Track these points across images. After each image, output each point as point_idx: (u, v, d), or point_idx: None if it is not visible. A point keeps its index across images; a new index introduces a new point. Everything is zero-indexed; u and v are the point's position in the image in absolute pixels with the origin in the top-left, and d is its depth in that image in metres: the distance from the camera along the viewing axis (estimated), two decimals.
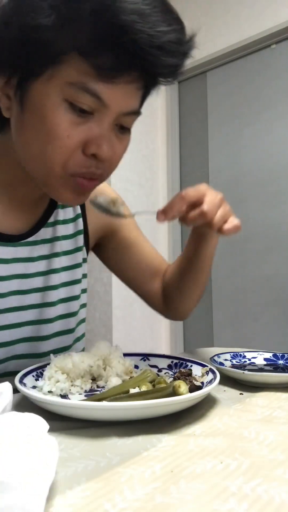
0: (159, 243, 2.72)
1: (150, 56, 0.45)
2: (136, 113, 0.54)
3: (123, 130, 0.54)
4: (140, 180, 2.60)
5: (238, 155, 2.42)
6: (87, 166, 0.52)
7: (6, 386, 0.38)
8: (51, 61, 0.47)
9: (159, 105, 2.72)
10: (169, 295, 0.81)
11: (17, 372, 0.55)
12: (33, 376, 0.56)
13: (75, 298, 0.73)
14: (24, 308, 0.66)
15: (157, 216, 0.57)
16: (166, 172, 2.73)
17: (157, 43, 0.45)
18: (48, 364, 0.58)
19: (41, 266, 0.67)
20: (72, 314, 0.72)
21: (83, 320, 0.77)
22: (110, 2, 0.43)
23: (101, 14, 0.43)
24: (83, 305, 0.76)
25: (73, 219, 0.73)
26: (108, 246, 0.80)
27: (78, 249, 0.73)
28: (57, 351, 0.70)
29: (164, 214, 0.56)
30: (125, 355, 0.66)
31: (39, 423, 0.33)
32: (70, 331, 0.72)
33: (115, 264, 0.82)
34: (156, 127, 2.73)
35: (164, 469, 0.35)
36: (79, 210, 0.74)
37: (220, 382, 0.62)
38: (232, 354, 0.72)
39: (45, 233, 0.68)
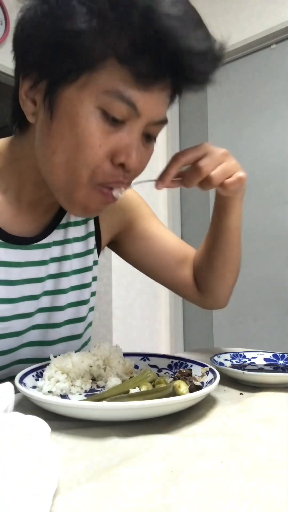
0: None
1: (188, 63, 0.46)
2: (164, 122, 0.53)
3: (149, 138, 0.54)
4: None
5: (238, 155, 2.40)
6: (115, 176, 0.51)
7: (8, 386, 0.38)
8: (88, 67, 0.46)
9: None
10: (202, 279, 0.76)
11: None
12: (33, 376, 0.56)
13: (85, 302, 0.71)
14: (33, 313, 0.65)
15: (155, 184, 0.56)
16: None
17: (196, 50, 0.45)
18: (48, 364, 0.58)
19: (52, 269, 0.66)
20: (81, 319, 0.71)
21: (90, 324, 0.75)
22: (154, 7, 0.43)
23: (146, 20, 0.43)
24: (91, 309, 0.75)
25: (85, 221, 0.72)
26: (125, 241, 0.77)
27: (89, 252, 0.72)
28: None
29: (161, 180, 0.56)
30: (125, 355, 0.66)
31: (41, 426, 0.33)
32: (77, 336, 0.71)
33: (136, 258, 0.78)
34: None
35: (164, 469, 0.35)
36: None
37: (220, 382, 0.62)
38: (232, 354, 0.72)
39: (57, 235, 0.66)
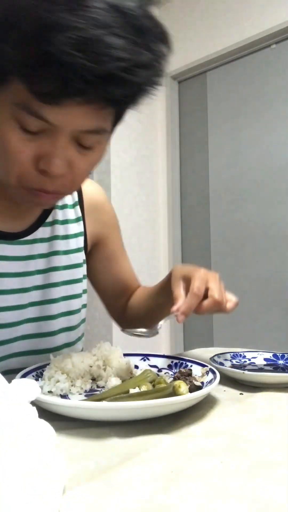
0: (159, 244, 2.72)
1: (90, 87, 0.42)
2: (98, 131, 0.50)
3: (86, 146, 0.51)
4: (140, 180, 2.60)
5: (238, 155, 2.42)
6: (39, 183, 0.51)
7: (34, 383, 0.39)
8: None
9: (159, 105, 2.72)
10: (130, 318, 0.85)
11: (20, 369, 0.56)
12: (33, 376, 0.56)
13: (77, 296, 0.74)
14: (24, 306, 0.66)
15: (177, 319, 0.58)
16: (166, 172, 2.73)
17: (98, 72, 0.40)
18: (48, 364, 0.58)
19: (40, 264, 0.68)
20: (75, 312, 0.74)
21: (83, 320, 0.78)
22: (39, 28, 0.39)
23: (28, 43, 0.41)
24: (84, 305, 0.77)
25: (75, 220, 0.75)
26: (94, 256, 0.82)
27: (79, 250, 0.75)
28: (61, 348, 0.70)
29: (184, 314, 0.58)
30: (125, 355, 0.66)
31: (47, 430, 0.33)
32: (73, 327, 0.73)
33: (94, 274, 0.84)
34: (156, 127, 2.73)
35: (164, 469, 0.35)
36: (80, 213, 0.76)
37: (220, 382, 0.62)
38: (232, 354, 0.72)
39: (43, 232, 0.69)
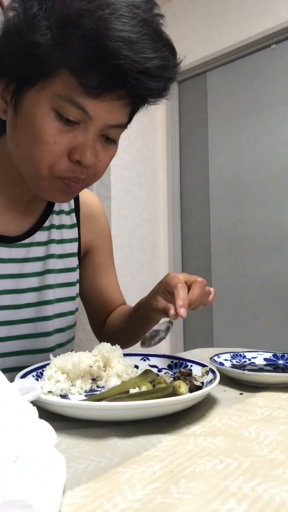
0: (159, 244, 2.72)
1: (133, 79, 0.49)
2: (122, 126, 0.57)
3: (109, 140, 0.58)
4: (140, 180, 2.60)
5: (238, 155, 2.42)
6: (72, 171, 0.56)
7: (35, 383, 0.40)
8: (44, 74, 0.51)
9: (159, 105, 2.71)
10: (107, 333, 0.86)
11: (17, 368, 0.56)
12: (33, 376, 0.56)
13: (71, 299, 0.76)
14: (19, 306, 0.68)
15: (180, 315, 0.59)
16: (166, 172, 2.73)
17: (140, 68, 0.48)
18: (48, 364, 0.58)
19: (36, 266, 0.70)
20: (69, 313, 0.75)
21: (75, 323, 0.80)
22: (98, 28, 0.46)
23: (89, 39, 0.47)
24: (77, 309, 0.79)
25: (70, 226, 0.77)
26: (84, 263, 0.84)
27: (73, 255, 0.77)
28: (54, 348, 0.72)
29: (184, 306, 0.59)
30: (125, 355, 0.66)
31: (48, 431, 0.33)
32: (66, 329, 0.75)
33: (81, 281, 0.85)
34: (156, 127, 2.73)
35: (164, 469, 0.35)
36: (75, 220, 0.78)
37: (220, 382, 0.62)
38: (232, 354, 0.72)
39: (40, 236, 0.71)
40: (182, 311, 0.58)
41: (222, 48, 2.43)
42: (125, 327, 0.80)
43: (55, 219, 0.74)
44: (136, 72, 0.48)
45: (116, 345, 0.64)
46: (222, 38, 2.44)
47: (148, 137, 2.66)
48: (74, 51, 0.49)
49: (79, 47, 0.48)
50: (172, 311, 0.60)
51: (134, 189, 2.56)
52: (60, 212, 0.75)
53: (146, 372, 0.57)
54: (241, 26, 2.36)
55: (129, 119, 0.61)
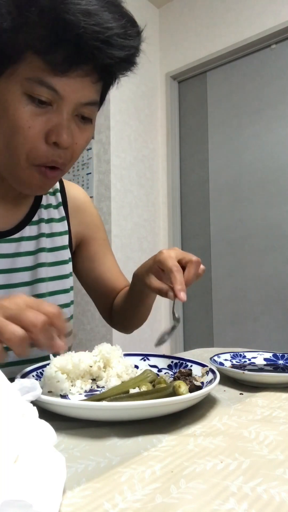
0: (159, 244, 2.72)
1: (96, 50, 0.50)
2: (94, 103, 0.57)
3: (85, 120, 0.58)
4: (140, 180, 2.60)
5: (238, 155, 2.42)
6: (50, 156, 0.56)
7: (35, 383, 0.41)
8: (10, 60, 0.52)
9: (159, 105, 2.72)
10: (115, 315, 0.88)
11: (13, 362, 0.56)
12: (33, 376, 0.56)
13: (64, 291, 0.76)
14: None
15: (180, 299, 0.58)
16: (166, 172, 2.73)
17: (101, 37, 0.49)
18: (48, 364, 0.58)
19: (27, 261, 0.70)
20: (63, 306, 0.75)
21: (71, 317, 0.79)
22: (55, 3, 0.47)
23: (47, 15, 0.48)
24: (72, 302, 0.79)
25: (59, 220, 0.77)
26: (78, 256, 0.84)
27: (64, 247, 0.77)
28: None
29: (183, 290, 0.59)
30: (125, 355, 0.66)
31: (48, 431, 0.33)
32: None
33: (80, 275, 0.87)
34: (156, 127, 2.73)
35: (164, 469, 0.35)
36: (63, 213, 0.78)
37: (220, 382, 0.62)
38: (232, 354, 0.72)
39: (30, 230, 0.71)
40: (182, 295, 0.58)
41: (222, 48, 2.43)
42: (128, 306, 0.81)
43: (43, 213, 0.74)
44: (98, 41, 0.49)
45: (116, 345, 0.64)
46: (222, 38, 2.44)
47: (148, 137, 2.66)
48: (35, 30, 0.49)
49: (39, 26, 0.49)
50: (171, 293, 0.60)
51: (134, 189, 2.56)
52: (48, 206, 0.76)
53: (146, 372, 0.57)
54: (241, 26, 2.36)
55: (102, 97, 0.61)
